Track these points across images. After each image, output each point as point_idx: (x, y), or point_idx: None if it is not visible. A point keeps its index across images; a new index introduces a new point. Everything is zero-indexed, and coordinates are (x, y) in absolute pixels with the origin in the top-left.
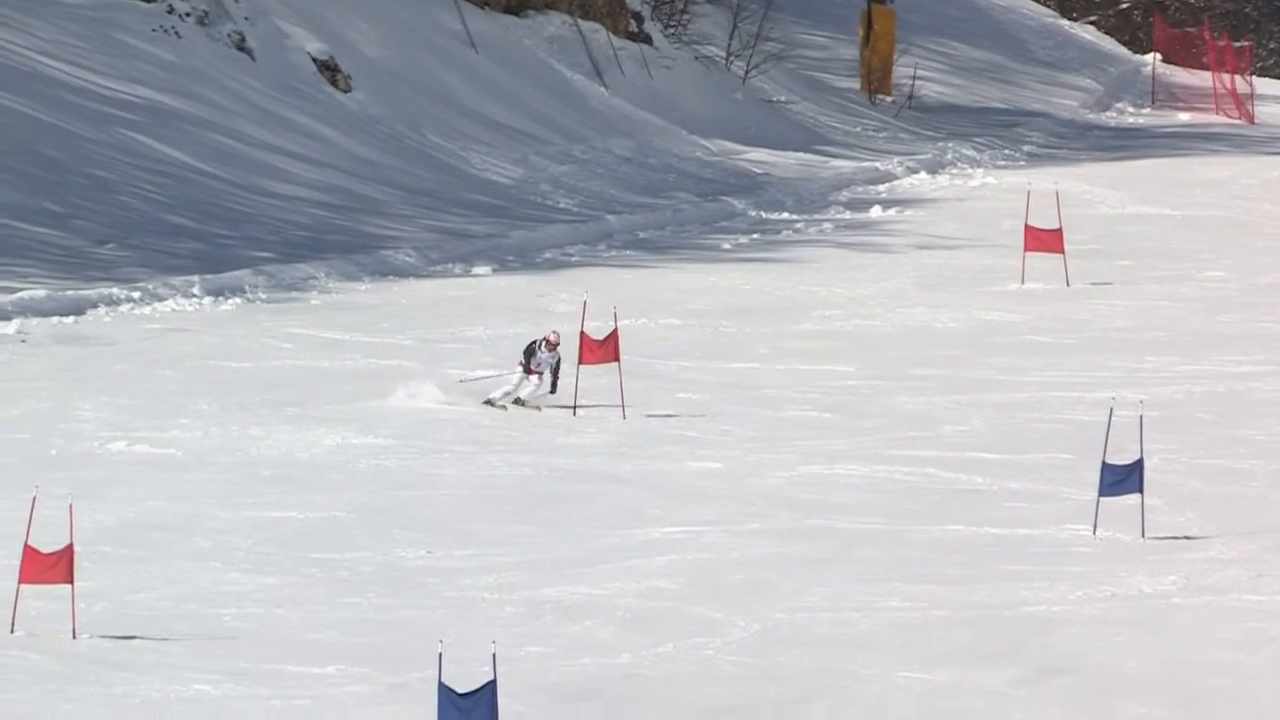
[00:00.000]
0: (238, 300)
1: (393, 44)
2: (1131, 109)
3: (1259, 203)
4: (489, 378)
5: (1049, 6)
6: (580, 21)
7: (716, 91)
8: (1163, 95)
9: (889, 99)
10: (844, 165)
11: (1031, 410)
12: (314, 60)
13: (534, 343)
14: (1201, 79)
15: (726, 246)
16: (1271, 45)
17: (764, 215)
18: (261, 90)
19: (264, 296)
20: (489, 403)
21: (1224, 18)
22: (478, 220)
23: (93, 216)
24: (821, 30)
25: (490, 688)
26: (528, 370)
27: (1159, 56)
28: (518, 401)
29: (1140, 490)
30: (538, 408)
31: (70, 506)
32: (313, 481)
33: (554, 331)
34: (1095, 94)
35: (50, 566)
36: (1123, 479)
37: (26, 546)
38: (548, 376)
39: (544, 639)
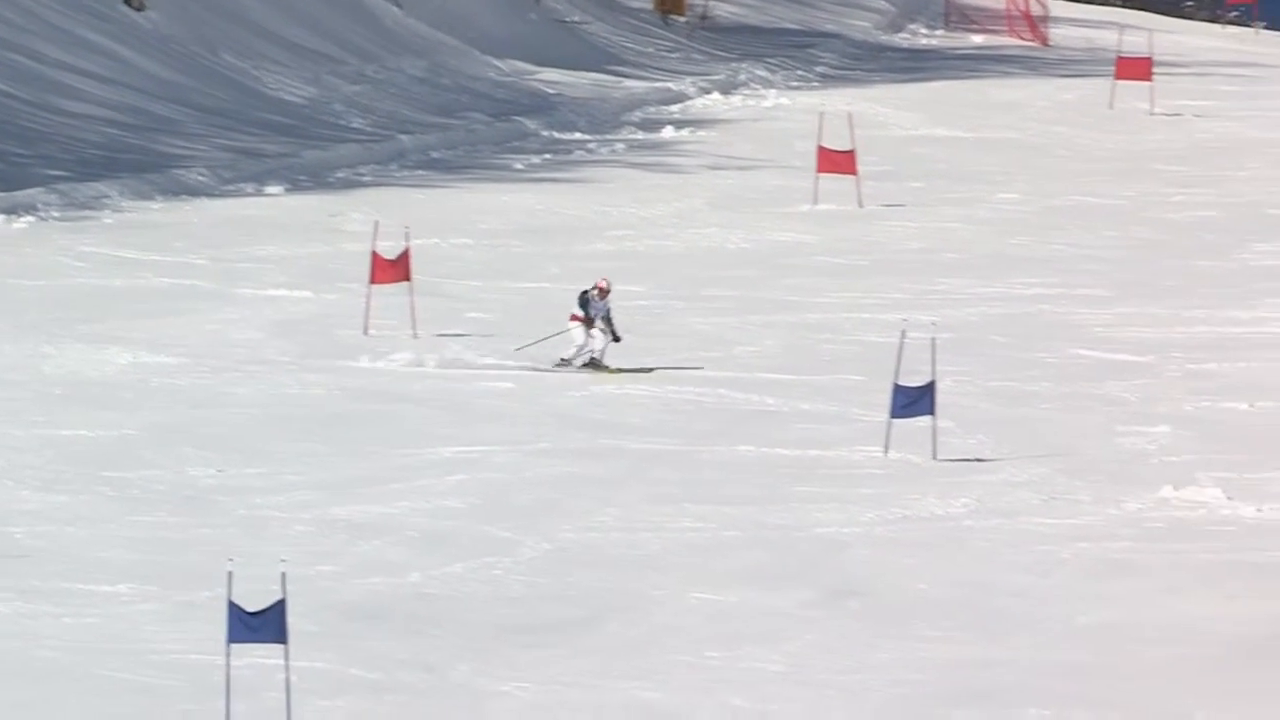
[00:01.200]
0: (31, 219)
1: None
2: (925, 30)
3: (1052, 125)
4: (546, 339)
5: None
6: None
7: (510, 11)
8: (956, 17)
9: (682, 19)
10: (637, 86)
11: (824, 331)
12: None
13: (586, 292)
14: (995, 1)
15: (519, 167)
16: None
17: (557, 136)
18: (55, 8)
19: (57, 215)
20: (564, 362)
21: None
22: (271, 140)
23: None
24: None
25: (280, 606)
26: (589, 323)
27: None
28: (592, 363)
29: (932, 412)
30: (609, 368)
31: None
32: (105, 400)
33: (604, 278)
34: (888, 15)
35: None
36: (914, 401)
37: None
38: (604, 328)
39: (334, 558)
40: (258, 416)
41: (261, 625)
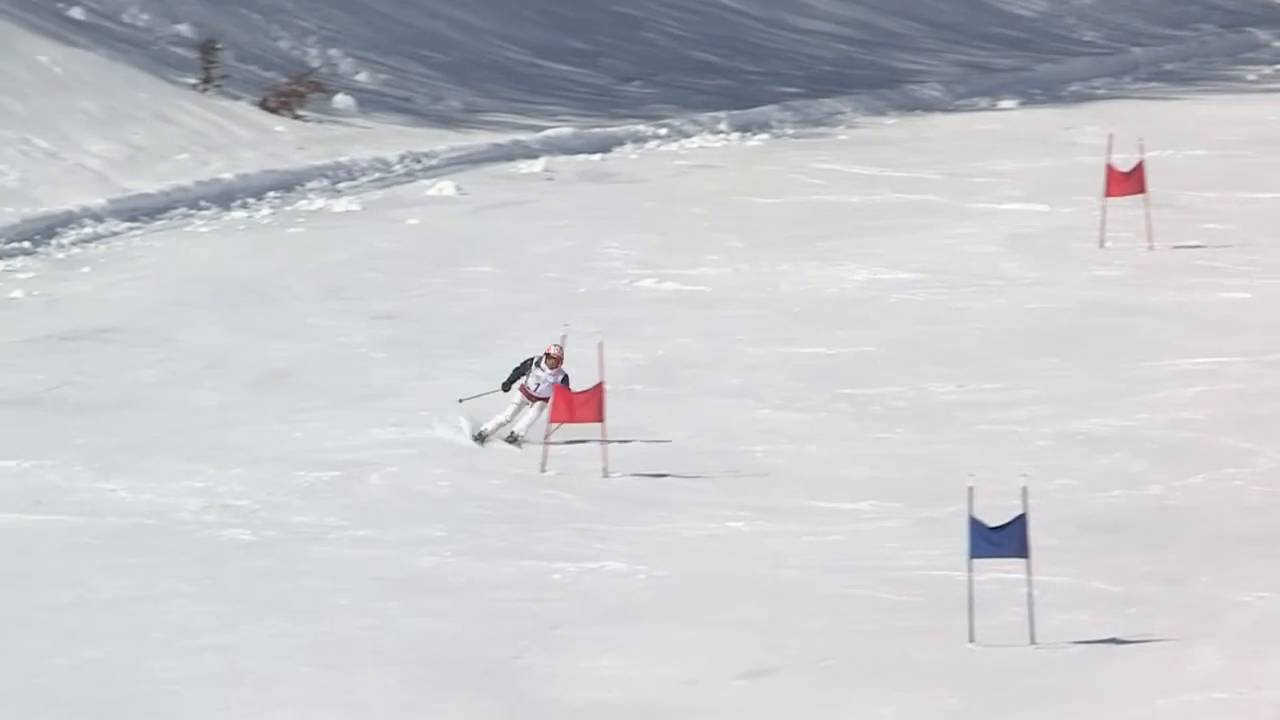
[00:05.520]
0: (765, 136)
1: None
2: None
3: None
4: (487, 394)
5: None
6: None
7: None
8: None
9: None
10: None
11: None
12: None
13: (529, 360)
14: None
15: (1251, 78)
16: None
17: None
18: None
19: (790, 132)
20: (479, 437)
21: None
22: (1003, 54)
23: (618, 54)
24: None
25: (1021, 521)
26: (529, 396)
27: None
28: (511, 438)
29: None
30: (530, 441)
31: (599, 346)
32: (842, 317)
33: (555, 345)
34: None
35: (581, 405)
36: None
37: (555, 386)
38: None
39: (1073, 471)
40: (994, 331)
41: (1003, 540)
